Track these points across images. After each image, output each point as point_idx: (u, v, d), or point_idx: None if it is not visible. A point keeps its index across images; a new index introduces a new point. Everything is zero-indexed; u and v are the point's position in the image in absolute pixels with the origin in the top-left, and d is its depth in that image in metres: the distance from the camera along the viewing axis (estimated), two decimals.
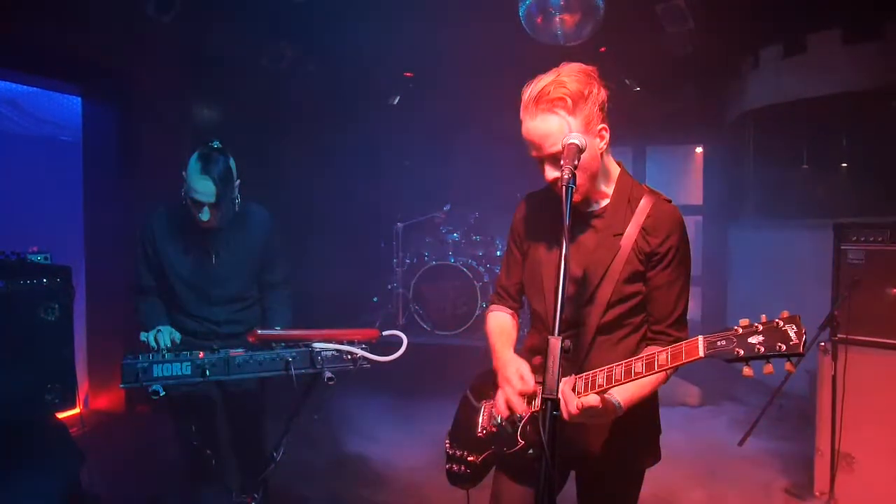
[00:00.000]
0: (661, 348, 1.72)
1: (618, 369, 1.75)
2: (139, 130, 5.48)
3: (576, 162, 1.74)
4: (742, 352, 1.57)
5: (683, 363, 1.65)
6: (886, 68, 5.61)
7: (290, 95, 6.85)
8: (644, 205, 1.96)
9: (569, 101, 1.82)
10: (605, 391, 1.77)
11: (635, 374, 1.72)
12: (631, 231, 1.94)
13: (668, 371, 1.80)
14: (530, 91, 1.86)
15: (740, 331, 1.60)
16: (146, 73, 5.41)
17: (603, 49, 6.49)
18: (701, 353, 1.62)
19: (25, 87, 5.45)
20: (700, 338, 1.63)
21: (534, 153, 1.89)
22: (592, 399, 1.74)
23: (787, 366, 1.56)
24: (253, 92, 6.38)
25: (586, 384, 1.80)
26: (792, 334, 1.54)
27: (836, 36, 5.97)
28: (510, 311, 2.28)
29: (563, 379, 1.76)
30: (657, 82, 7.40)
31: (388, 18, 5.68)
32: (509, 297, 2.27)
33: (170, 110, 5.60)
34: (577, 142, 1.76)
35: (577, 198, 1.88)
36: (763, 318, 1.59)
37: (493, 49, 6.25)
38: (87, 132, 5.55)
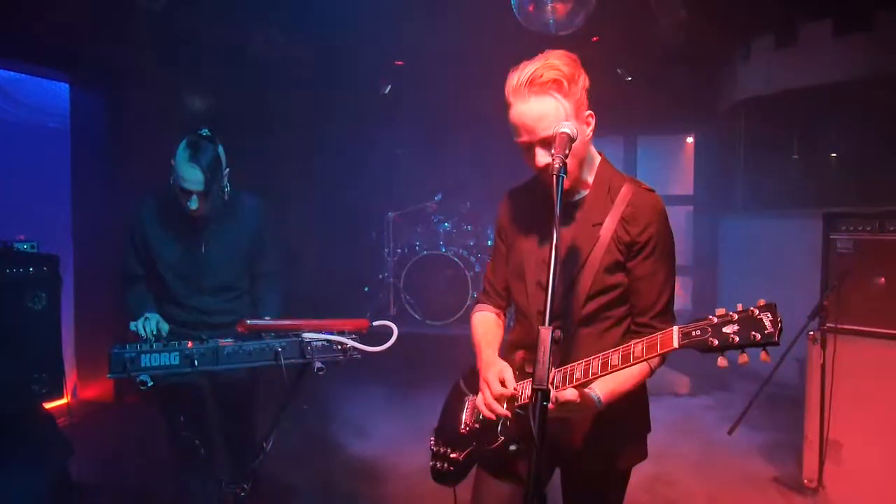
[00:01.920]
0: (639, 340, 1.69)
1: (595, 362, 1.72)
2: (127, 117, 5.43)
3: (567, 151, 1.70)
4: (717, 342, 1.53)
5: (659, 354, 1.62)
6: (877, 59, 5.63)
7: (281, 83, 6.79)
8: (624, 194, 1.92)
9: (564, 82, 1.78)
10: (582, 385, 1.75)
11: (612, 366, 1.69)
12: (610, 221, 1.90)
13: (653, 364, 1.77)
14: (519, 75, 1.81)
15: (715, 320, 1.55)
16: (135, 60, 5.35)
17: (595, 38, 6.48)
18: (676, 344, 1.58)
19: (12, 72, 5.39)
20: (675, 328, 1.60)
21: (524, 138, 1.83)
22: (570, 393, 1.72)
23: (763, 355, 1.51)
24: (243, 80, 6.32)
25: (564, 378, 1.78)
26: (767, 323, 1.49)
27: (827, 26, 5.97)
28: (496, 309, 2.23)
29: None
30: (649, 72, 7.38)
31: (379, 6, 5.64)
32: (496, 293, 2.22)
33: (159, 97, 5.55)
34: (568, 130, 1.72)
35: (565, 184, 1.84)
36: (739, 306, 1.55)
37: (484, 38, 6.21)
38: (75, 119, 5.51)
